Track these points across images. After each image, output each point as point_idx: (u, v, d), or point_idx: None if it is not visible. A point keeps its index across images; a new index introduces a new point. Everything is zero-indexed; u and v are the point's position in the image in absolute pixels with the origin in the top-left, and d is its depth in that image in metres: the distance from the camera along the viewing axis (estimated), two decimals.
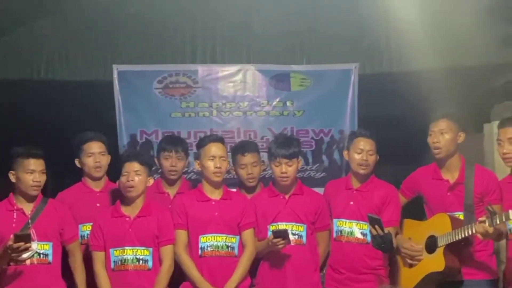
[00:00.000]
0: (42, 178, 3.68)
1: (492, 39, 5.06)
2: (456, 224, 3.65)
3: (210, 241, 3.75)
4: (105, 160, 4.01)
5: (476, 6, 4.82)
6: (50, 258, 3.67)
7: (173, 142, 4.21)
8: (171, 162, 4.09)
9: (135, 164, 3.71)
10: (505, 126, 3.67)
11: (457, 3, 4.89)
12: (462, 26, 4.98)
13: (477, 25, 4.99)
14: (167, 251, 3.71)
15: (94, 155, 3.96)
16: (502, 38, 5.07)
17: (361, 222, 3.88)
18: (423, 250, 3.76)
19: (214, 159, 3.80)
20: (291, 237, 3.77)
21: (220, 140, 3.92)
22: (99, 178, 4.01)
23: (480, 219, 3.44)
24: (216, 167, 3.78)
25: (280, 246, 3.69)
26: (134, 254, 3.67)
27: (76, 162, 4.02)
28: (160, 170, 4.28)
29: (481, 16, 4.90)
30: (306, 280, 3.83)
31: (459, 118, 3.88)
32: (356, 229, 3.89)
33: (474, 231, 3.49)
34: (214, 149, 3.82)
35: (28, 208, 3.69)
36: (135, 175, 3.69)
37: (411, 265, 3.83)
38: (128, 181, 3.68)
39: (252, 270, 3.90)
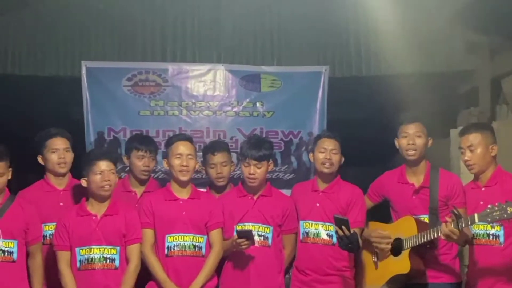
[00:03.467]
0: (1, 181, 3.57)
1: (459, 46, 5.17)
2: (421, 227, 3.70)
3: (177, 240, 3.71)
4: (70, 156, 3.91)
5: (444, 14, 4.93)
6: (14, 256, 3.59)
7: (146, 142, 4.17)
8: (144, 162, 4.05)
9: (109, 163, 3.65)
10: (464, 134, 3.71)
11: (426, 11, 4.98)
12: (431, 33, 5.09)
13: (445, 32, 5.11)
14: (134, 250, 3.66)
15: (59, 151, 3.87)
16: (469, 45, 5.18)
17: (327, 223, 3.89)
18: (391, 237, 3.80)
19: (181, 157, 3.77)
20: (256, 238, 3.76)
21: (187, 139, 3.89)
22: (63, 175, 3.92)
23: (446, 218, 3.49)
24: (183, 165, 3.75)
25: (244, 247, 3.69)
26: (101, 253, 3.61)
27: (39, 158, 3.92)
28: (127, 169, 4.24)
29: (448, 24, 5.01)
30: (270, 282, 3.83)
31: (427, 123, 3.95)
32: (322, 231, 3.90)
33: (439, 234, 3.54)
34: (182, 147, 3.80)
35: None
36: (111, 174, 3.64)
37: (376, 263, 3.87)
38: (104, 180, 3.61)
39: (219, 270, 3.88)
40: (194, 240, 3.73)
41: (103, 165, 3.62)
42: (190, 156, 3.79)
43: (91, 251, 3.60)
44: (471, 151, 3.65)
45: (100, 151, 3.88)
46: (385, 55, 5.10)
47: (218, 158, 4.12)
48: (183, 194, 3.80)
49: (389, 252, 3.82)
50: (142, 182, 4.10)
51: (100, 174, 3.61)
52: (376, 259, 3.93)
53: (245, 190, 3.93)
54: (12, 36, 5.00)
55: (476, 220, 3.35)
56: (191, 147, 3.84)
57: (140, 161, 4.05)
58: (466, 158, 3.67)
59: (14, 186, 3.85)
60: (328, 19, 5.13)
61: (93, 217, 3.65)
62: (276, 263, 3.87)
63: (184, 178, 3.78)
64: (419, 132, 3.88)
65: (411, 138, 3.87)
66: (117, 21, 5.06)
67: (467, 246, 3.81)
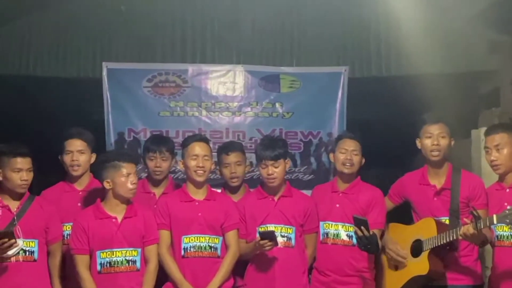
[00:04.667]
0: (29, 176, 3.63)
1: (480, 46, 5.11)
2: (441, 228, 3.67)
3: (193, 241, 3.72)
4: (84, 159, 3.89)
5: (466, 13, 4.87)
6: (35, 255, 3.62)
7: (158, 142, 4.15)
8: (155, 163, 4.05)
9: (134, 164, 3.66)
10: (491, 133, 3.70)
11: (448, 10, 4.93)
12: (452, 33, 5.03)
13: (466, 32, 5.05)
14: (152, 251, 3.66)
15: (72, 153, 3.87)
16: (491, 45, 5.12)
17: (347, 224, 3.87)
18: (409, 254, 3.78)
19: (197, 158, 3.77)
20: (279, 239, 3.75)
21: (203, 140, 3.89)
22: (77, 177, 3.92)
23: (465, 220, 3.46)
24: (198, 166, 3.76)
25: (267, 248, 3.68)
26: (123, 255, 3.60)
27: (60, 159, 3.95)
28: (146, 170, 4.26)
29: (470, 23, 4.95)
30: (295, 283, 3.81)
31: (450, 123, 3.92)
32: (342, 232, 3.89)
33: (458, 235, 3.51)
34: (197, 148, 3.80)
35: (14, 205, 3.64)
36: (136, 176, 3.65)
37: (396, 267, 3.85)
38: (133, 183, 3.62)
39: (240, 272, 3.88)
40: (210, 241, 3.73)
41: (130, 167, 3.63)
42: (206, 157, 3.79)
43: (113, 254, 3.59)
44: (497, 150, 3.63)
45: (124, 153, 3.85)
46: (406, 55, 5.05)
47: (231, 158, 4.11)
48: (198, 195, 3.81)
49: (406, 259, 3.79)
50: (157, 183, 4.11)
51: (128, 176, 3.61)
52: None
53: (265, 192, 3.93)
54: (33, 38, 5.04)
55: (495, 221, 3.32)
56: (207, 148, 3.84)
57: (152, 162, 4.06)
58: (492, 158, 3.64)
59: (36, 187, 3.89)
60: (348, 19, 5.10)
61: (113, 220, 3.63)
62: (300, 263, 3.86)
63: (199, 179, 3.78)
64: (443, 133, 3.86)
65: (435, 138, 3.85)
66: (137, 22, 5.08)
67: (489, 248, 3.78)
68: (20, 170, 3.59)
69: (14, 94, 5.44)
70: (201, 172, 3.77)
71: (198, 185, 3.81)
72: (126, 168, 3.61)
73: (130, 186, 3.61)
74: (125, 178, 3.60)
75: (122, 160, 3.65)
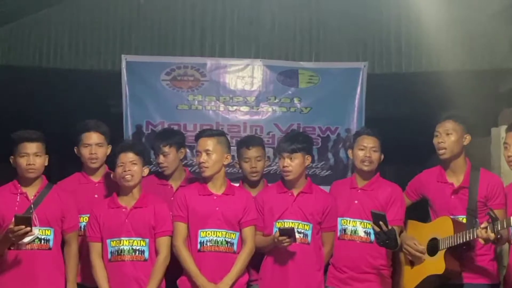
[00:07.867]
0: (38, 161, 3.64)
1: (502, 44, 5.04)
2: (458, 227, 3.63)
3: (210, 236, 3.72)
4: (102, 152, 3.93)
5: (488, 11, 4.81)
6: (50, 244, 3.66)
7: (156, 138, 4.23)
8: (159, 158, 4.12)
9: (130, 154, 3.69)
10: None
11: (469, 7, 4.87)
12: (474, 30, 4.97)
13: (488, 29, 4.98)
14: (163, 242, 3.68)
15: (91, 146, 3.90)
16: None
17: (365, 221, 3.86)
18: (425, 252, 3.75)
19: (199, 154, 3.77)
20: (296, 235, 3.74)
21: (207, 134, 3.85)
22: (95, 170, 3.96)
23: (482, 225, 3.42)
24: (200, 162, 3.76)
25: (285, 244, 3.67)
26: (130, 245, 3.65)
27: (75, 150, 3.98)
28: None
29: (492, 21, 4.89)
30: (309, 279, 3.80)
31: (465, 120, 3.87)
32: (360, 228, 3.88)
33: (475, 236, 3.47)
34: (201, 144, 3.80)
35: (31, 192, 3.68)
36: (131, 165, 3.67)
37: (412, 263, 3.82)
38: (124, 171, 3.66)
39: (255, 265, 3.89)
40: (227, 236, 3.73)
41: (125, 156, 3.67)
42: (208, 152, 3.76)
43: (120, 243, 3.65)
44: None
45: (125, 143, 3.92)
46: (427, 51, 5.00)
47: (252, 152, 4.11)
48: (217, 189, 3.80)
49: (424, 255, 3.76)
50: (167, 177, 4.14)
51: (122, 165, 3.66)
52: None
53: (285, 186, 3.92)
54: (53, 30, 5.07)
55: None
56: (211, 143, 3.77)
57: (156, 158, 4.12)
58: (510, 153, 3.60)
59: (55, 178, 3.92)
60: (368, 14, 5.06)
61: (123, 209, 3.69)
62: (316, 261, 3.84)
63: (203, 174, 3.78)
64: (449, 130, 3.81)
65: (440, 136, 3.82)
66: (157, 15, 5.09)
67: (506, 247, 3.73)
68: (27, 154, 3.62)
69: (33, 86, 5.49)
70: (203, 167, 3.76)
71: (206, 180, 3.80)
72: (120, 158, 3.68)
73: (121, 174, 3.65)
74: (119, 167, 3.67)
75: (119, 150, 3.73)
